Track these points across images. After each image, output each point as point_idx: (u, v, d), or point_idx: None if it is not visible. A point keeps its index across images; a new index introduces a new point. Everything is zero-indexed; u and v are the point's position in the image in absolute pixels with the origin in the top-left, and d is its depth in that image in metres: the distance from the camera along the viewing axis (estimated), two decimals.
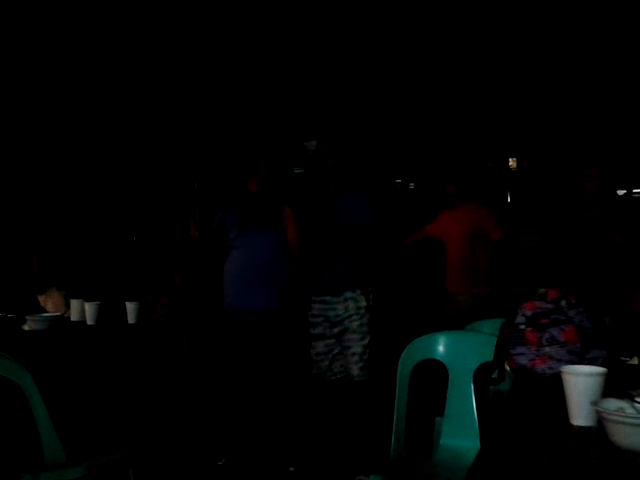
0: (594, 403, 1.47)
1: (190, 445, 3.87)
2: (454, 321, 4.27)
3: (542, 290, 2.18)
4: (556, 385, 1.80)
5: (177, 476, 3.54)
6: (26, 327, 3.48)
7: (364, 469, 2.58)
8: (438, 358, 2.75)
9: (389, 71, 6.58)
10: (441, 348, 2.75)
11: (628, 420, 1.39)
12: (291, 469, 3.56)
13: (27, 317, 3.52)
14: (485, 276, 4.57)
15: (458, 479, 2.43)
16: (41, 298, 4.18)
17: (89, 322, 3.66)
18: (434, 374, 2.87)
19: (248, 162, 3.69)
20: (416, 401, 2.72)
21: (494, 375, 2.47)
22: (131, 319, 3.69)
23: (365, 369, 3.62)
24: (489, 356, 2.48)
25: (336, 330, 3.62)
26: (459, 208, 4.70)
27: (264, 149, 3.88)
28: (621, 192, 6.84)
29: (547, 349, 2.06)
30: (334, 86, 6.76)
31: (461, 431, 2.63)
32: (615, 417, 1.40)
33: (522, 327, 2.13)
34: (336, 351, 3.64)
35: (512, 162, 7.15)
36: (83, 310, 3.72)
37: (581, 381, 1.56)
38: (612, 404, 1.48)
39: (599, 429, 1.49)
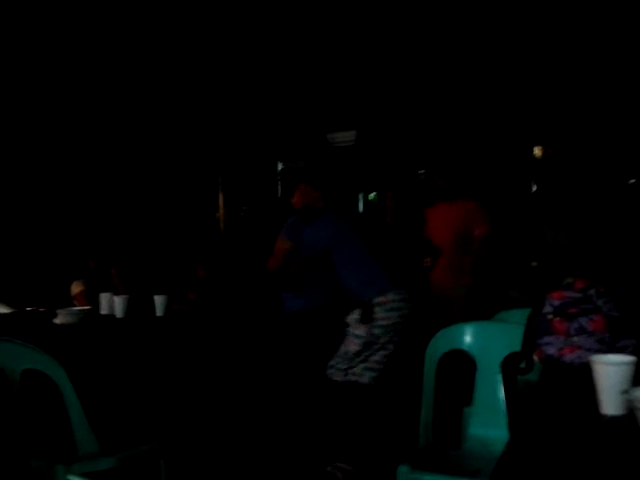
0: (625, 392, 1.46)
1: (222, 437, 3.91)
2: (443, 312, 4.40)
3: (570, 279, 2.17)
4: (585, 375, 1.80)
5: (208, 468, 3.58)
6: (57, 321, 3.53)
7: (393, 458, 2.59)
8: (465, 349, 2.75)
9: (412, 60, 6.55)
10: (468, 338, 2.75)
11: None
12: (328, 469, 3.57)
13: (58, 311, 3.58)
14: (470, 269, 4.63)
15: (487, 469, 2.44)
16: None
17: (118, 315, 3.72)
18: (461, 365, 2.87)
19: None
20: (443, 392, 2.72)
21: (522, 365, 2.47)
22: (159, 312, 3.74)
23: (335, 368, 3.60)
24: (517, 346, 2.48)
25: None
26: (444, 205, 4.71)
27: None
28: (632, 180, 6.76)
29: (575, 339, 2.05)
30: (355, 75, 6.75)
31: (489, 421, 2.64)
32: None
33: (550, 317, 2.12)
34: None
35: (537, 150, 7.06)
36: (112, 304, 3.78)
37: (612, 370, 1.55)
38: None
39: (630, 418, 1.49)
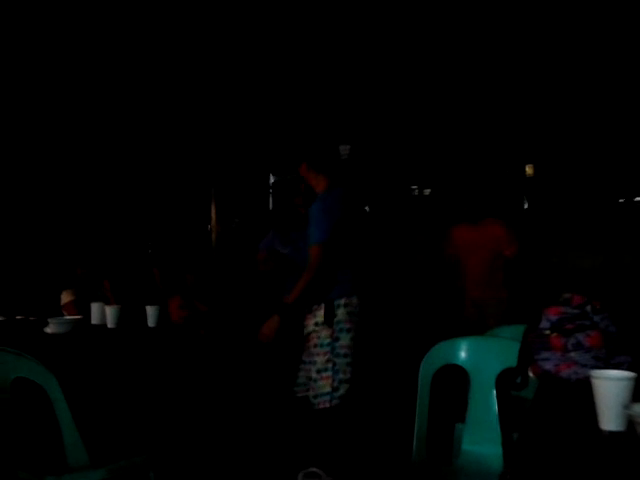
0: (626, 407, 1.46)
1: (212, 448, 3.88)
2: (477, 324, 4.49)
3: (567, 295, 2.17)
4: (582, 390, 1.80)
5: (197, 478, 3.56)
6: (48, 330, 3.49)
7: (386, 473, 2.58)
8: (460, 363, 2.74)
9: (407, 78, 6.60)
10: (463, 354, 2.74)
11: None
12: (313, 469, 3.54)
13: (49, 320, 3.54)
14: (502, 283, 4.90)
15: None
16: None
17: (110, 325, 3.68)
18: (452, 380, 2.87)
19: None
20: (435, 407, 2.71)
21: (517, 380, 2.46)
22: (151, 322, 3.71)
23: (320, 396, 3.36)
24: (511, 362, 2.47)
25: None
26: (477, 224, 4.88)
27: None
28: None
29: (572, 354, 2.05)
30: (350, 91, 6.78)
31: (483, 437, 2.62)
32: None
33: (547, 332, 2.12)
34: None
35: (528, 169, 7.12)
36: (104, 313, 3.74)
37: (612, 385, 1.55)
38: None
39: (630, 433, 1.48)
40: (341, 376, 3.33)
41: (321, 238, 3.32)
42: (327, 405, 3.31)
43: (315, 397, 3.34)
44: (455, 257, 5.01)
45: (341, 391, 3.32)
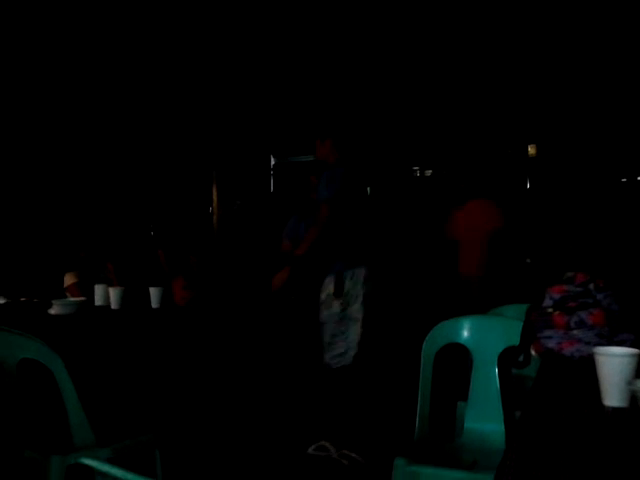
0: (630, 383, 1.47)
1: (217, 426, 3.91)
2: (472, 303, 4.54)
3: (570, 274, 2.18)
4: (585, 368, 1.81)
5: (203, 458, 3.59)
6: (52, 311, 3.51)
7: (389, 451, 2.60)
8: (462, 342, 2.76)
9: (408, 57, 6.56)
10: (465, 332, 2.76)
11: None
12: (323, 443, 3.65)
13: (53, 301, 3.55)
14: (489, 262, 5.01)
15: (483, 461, 2.45)
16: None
17: (113, 307, 3.70)
18: (454, 359, 2.89)
19: None
20: (437, 385, 2.73)
21: (520, 359, 2.48)
22: (154, 304, 3.73)
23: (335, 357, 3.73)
24: (514, 340, 2.49)
25: None
26: (471, 205, 4.93)
27: None
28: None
29: (575, 332, 2.06)
30: (352, 71, 6.75)
31: (485, 415, 2.65)
32: None
33: (550, 310, 2.13)
34: None
35: (531, 149, 7.10)
36: (107, 295, 3.76)
37: (616, 362, 1.56)
38: None
39: (633, 409, 1.50)
40: (352, 338, 3.69)
41: (328, 196, 3.70)
42: (341, 365, 3.69)
43: (332, 358, 3.72)
44: (455, 239, 5.04)
45: (352, 352, 3.69)
